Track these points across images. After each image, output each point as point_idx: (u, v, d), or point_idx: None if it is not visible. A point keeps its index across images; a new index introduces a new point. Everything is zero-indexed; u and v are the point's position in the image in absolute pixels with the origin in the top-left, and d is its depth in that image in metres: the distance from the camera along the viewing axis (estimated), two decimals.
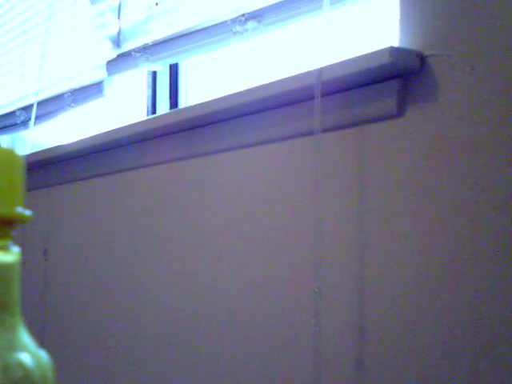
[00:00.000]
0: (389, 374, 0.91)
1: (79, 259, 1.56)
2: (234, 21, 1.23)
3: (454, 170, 0.86)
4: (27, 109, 1.85)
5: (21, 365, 0.30)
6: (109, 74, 1.57)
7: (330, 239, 0.99)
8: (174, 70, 1.58)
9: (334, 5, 1.04)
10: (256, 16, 1.19)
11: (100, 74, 1.59)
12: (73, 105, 1.68)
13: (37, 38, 1.82)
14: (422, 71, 0.90)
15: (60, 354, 1.59)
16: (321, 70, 0.94)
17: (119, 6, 1.54)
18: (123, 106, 1.78)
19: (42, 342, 1.67)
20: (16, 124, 1.91)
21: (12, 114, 1.92)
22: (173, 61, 1.42)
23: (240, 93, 1.07)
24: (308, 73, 0.96)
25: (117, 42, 1.54)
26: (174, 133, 1.28)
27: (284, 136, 1.07)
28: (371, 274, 0.94)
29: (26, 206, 1.74)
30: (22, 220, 0.31)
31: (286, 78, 0.99)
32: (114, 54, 1.55)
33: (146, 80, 1.64)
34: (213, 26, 1.29)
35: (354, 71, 0.90)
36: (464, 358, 0.83)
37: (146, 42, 1.45)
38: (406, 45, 0.91)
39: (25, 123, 1.86)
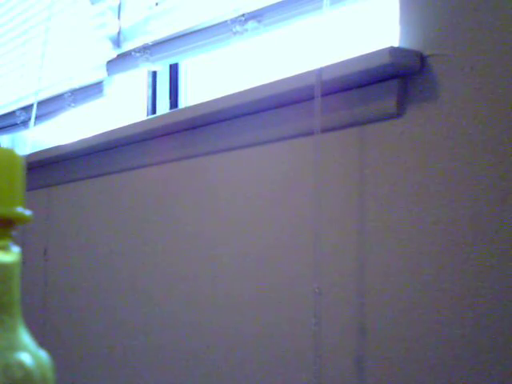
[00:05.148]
0: (389, 374, 0.91)
1: (79, 259, 1.56)
2: (234, 21, 1.23)
3: (453, 169, 0.86)
4: (27, 109, 1.85)
5: (21, 365, 0.30)
6: (109, 74, 1.57)
7: (330, 239, 0.99)
8: (174, 70, 1.58)
9: (334, 5, 1.04)
10: (256, 16, 1.19)
11: (100, 73, 1.59)
12: (73, 105, 1.68)
13: (37, 37, 1.82)
14: (422, 71, 0.90)
15: (60, 354, 1.59)
16: (321, 70, 0.94)
17: (119, 5, 1.54)
18: (123, 106, 1.77)
19: (41, 342, 1.67)
20: (16, 124, 1.91)
21: (12, 113, 1.92)
22: (173, 61, 1.42)
23: (240, 93, 1.07)
24: (308, 73, 0.96)
25: (117, 42, 1.54)
26: (173, 133, 1.28)
27: (284, 136, 1.07)
28: (371, 274, 0.94)
29: (26, 206, 1.74)
30: (22, 220, 0.31)
31: (286, 78, 0.99)
32: (114, 53, 1.55)
33: (145, 80, 1.64)
34: (213, 25, 1.29)
35: (354, 71, 0.90)
36: (464, 358, 0.83)
37: (146, 42, 1.45)
38: (406, 45, 0.91)
39: (25, 123, 1.86)
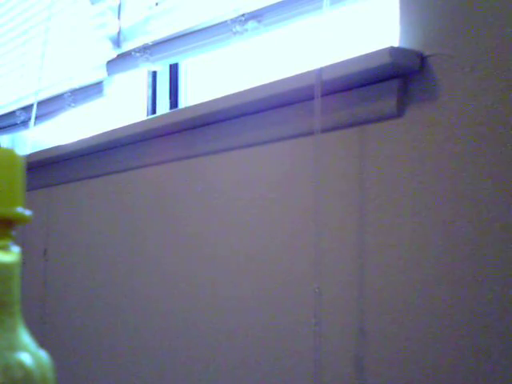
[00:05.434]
0: (389, 374, 0.91)
1: (79, 259, 1.56)
2: (234, 21, 1.23)
3: (453, 169, 0.86)
4: (27, 109, 1.85)
5: (21, 365, 0.30)
6: (109, 74, 1.57)
7: (329, 239, 0.99)
8: (174, 70, 1.58)
9: (334, 5, 1.04)
10: (256, 16, 1.19)
11: (100, 73, 1.59)
12: (73, 105, 1.68)
13: (37, 37, 1.82)
14: (422, 71, 0.90)
15: (60, 354, 1.59)
16: (321, 70, 0.94)
17: (119, 6, 1.54)
18: (123, 106, 1.77)
19: (42, 342, 1.67)
20: (16, 124, 1.91)
21: (12, 113, 1.92)
22: (173, 61, 1.42)
23: (240, 93, 1.07)
24: (308, 73, 0.96)
25: (117, 42, 1.54)
26: (174, 133, 1.28)
27: (284, 136, 1.07)
28: (371, 274, 0.94)
29: (26, 206, 1.74)
30: (21, 220, 0.31)
31: (285, 78, 0.99)
32: (114, 53, 1.55)
33: (145, 80, 1.64)
34: (213, 26, 1.29)
35: (354, 71, 0.90)
36: (464, 358, 0.83)
37: (146, 42, 1.45)
38: (406, 45, 0.91)
39: (25, 123, 1.86)
